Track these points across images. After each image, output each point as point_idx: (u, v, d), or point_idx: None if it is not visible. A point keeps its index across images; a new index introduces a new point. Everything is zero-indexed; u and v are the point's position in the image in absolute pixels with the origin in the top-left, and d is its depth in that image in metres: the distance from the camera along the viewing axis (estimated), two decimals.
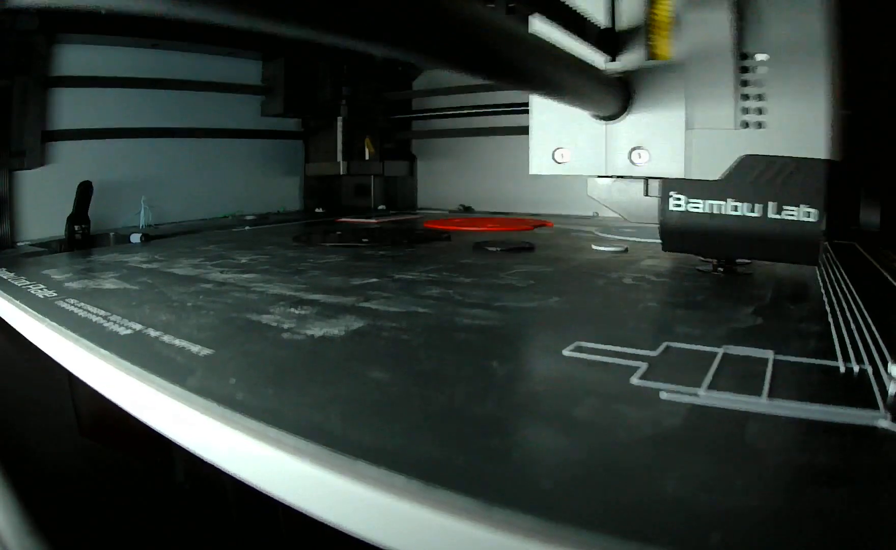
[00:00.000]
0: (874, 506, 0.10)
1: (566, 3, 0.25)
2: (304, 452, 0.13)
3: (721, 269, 0.29)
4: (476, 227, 0.54)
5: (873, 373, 0.17)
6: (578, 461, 0.12)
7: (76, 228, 0.49)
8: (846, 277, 0.30)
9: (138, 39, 0.60)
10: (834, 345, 0.19)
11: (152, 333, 0.21)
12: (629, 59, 0.28)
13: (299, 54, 0.76)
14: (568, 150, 0.31)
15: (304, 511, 0.12)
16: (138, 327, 0.22)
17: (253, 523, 0.31)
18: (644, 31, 0.28)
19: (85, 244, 0.49)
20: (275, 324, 0.22)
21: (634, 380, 0.16)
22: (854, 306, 0.24)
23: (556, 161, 0.31)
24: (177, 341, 0.20)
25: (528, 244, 0.41)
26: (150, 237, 0.52)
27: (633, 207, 0.34)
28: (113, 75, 0.59)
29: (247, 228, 0.59)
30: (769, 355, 0.18)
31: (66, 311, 0.25)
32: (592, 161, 0.30)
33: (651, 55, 0.28)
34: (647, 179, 0.31)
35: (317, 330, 0.21)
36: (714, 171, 0.27)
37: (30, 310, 0.26)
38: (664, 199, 0.28)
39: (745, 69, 0.26)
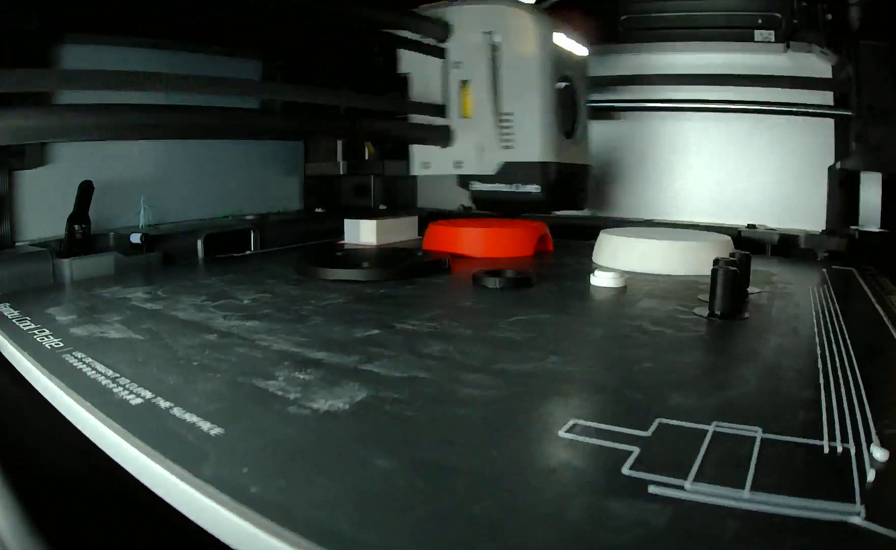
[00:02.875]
0: None
1: (421, 102, 0.56)
2: None
3: (718, 313, 0.31)
4: (475, 250, 0.57)
5: (856, 454, 0.18)
6: None
7: (76, 227, 0.50)
8: (842, 322, 0.32)
9: (139, 39, 0.62)
10: (822, 416, 0.21)
11: (162, 404, 0.23)
12: (451, 118, 0.55)
13: (299, 54, 0.78)
14: (430, 161, 0.58)
15: None
16: (148, 394, 0.24)
17: None
18: (459, 103, 0.55)
19: (85, 244, 0.50)
20: (280, 393, 0.23)
21: (626, 470, 0.18)
22: (846, 361, 0.25)
23: (423, 167, 0.58)
24: (187, 416, 0.22)
25: (527, 277, 0.43)
26: (151, 238, 0.54)
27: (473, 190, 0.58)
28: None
29: (248, 251, 0.61)
30: (757, 433, 0.20)
31: (75, 369, 0.27)
32: (439, 167, 0.57)
33: (462, 115, 0.55)
34: (465, 176, 0.57)
35: (322, 402, 0.22)
36: (491, 169, 0.55)
37: (41, 368, 0.27)
38: (470, 184, 0.56)
39: (502, 120, 0.54)
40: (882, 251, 0.60)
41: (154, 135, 0.52)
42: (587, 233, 0.71)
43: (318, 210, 0.83)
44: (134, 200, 0.61)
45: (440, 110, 0.56)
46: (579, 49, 0.58)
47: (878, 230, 0.64)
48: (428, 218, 0.79)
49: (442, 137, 0.55)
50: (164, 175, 0.66)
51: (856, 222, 0.65)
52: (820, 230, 0.66)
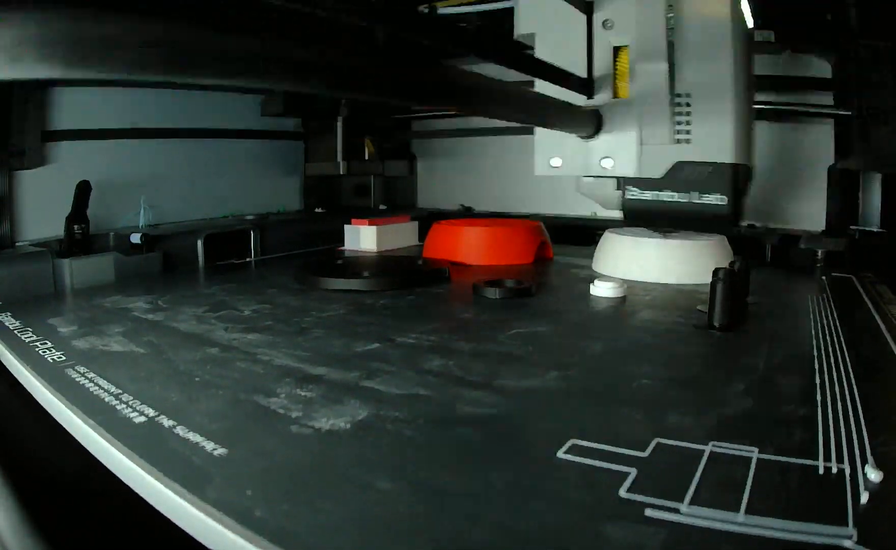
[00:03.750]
0: None
1: (561, 68, 0.38)
2: None
3: (717, 325, 0.32)
4: (475, 257, 0.57)
5: (850, 475, 0.19)
6: None
7: (75, 227, 0.51)
8: (840, 335, 0.32)
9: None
10: (818, 435, 0.21)
11: (166, 422, 0.23)
12: (600, 98, 0.42)
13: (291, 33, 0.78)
14: (559, 158, 0.45)
15: None
16: (151, 412, 0.24)
17: None
18: (610, 79, 0.41)
19: (84, 244, 0.51)
20: (283, 412, 0.24)
21: (623, 493, 0.18)
22: (844, 376, 0.26)
23: (551, 167, 0.45)
24: (191, 436, 0.22)
25: (527, 288, 0.43)
26: (151, 238, 0.54)
27: (605, 198, 0.47)
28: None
29: (248, 259, 0.62)
30: (753, 453, 0.20)
31: (78, 384, 0.27)
32: (576, 166, 0.44)
33: (615, 95, 0.41)
34: (615, 178, 0.45)
35: (324, 422, 0.23)
36: (657, 171, 0.41)
37: (44, 384, 0.28)
38: (624, 190, 0.43)
39: (677, 103, 0.40)
40: (882, 252, 0.60)
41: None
42: (587, 234, 0.72)
43: (318, 210, 0.83)
44: (134, 200, 0.62)
45: (585, 86, 0.41)
46: (748, 17, 0.44)
47: (878, 230, 0.65)
48: (428, 218, 0.80)
49: (586, 123, 0.40)
50: (164, 175, 0.66)
51: (856, 222, 0.65)
52: (820, 230, 0.67)
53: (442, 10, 0.71)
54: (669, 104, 0.39)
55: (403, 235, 0.70)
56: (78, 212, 0.51)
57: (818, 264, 0.60)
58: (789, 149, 0.70)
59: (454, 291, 0.46)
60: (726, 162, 0.39)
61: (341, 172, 0.86)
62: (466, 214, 0.85)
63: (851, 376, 0.27)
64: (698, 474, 0.19)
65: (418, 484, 0.19)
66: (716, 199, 0.40)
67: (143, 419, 0.24)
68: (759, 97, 0.68)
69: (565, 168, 0.44)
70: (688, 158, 0.40)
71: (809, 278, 0.52)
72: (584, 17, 0.41)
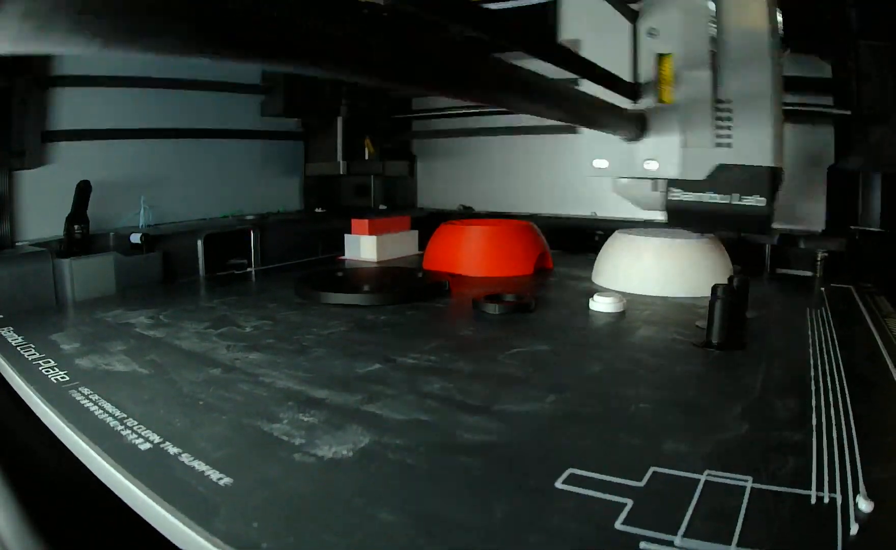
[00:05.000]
0: None
1: (609, 71, 0.39)
2: None
3: (715, 343, 0.32)
4: (475, 269, 0.58)
5: (841, 505, 0.19)
6: None
7: (76, 228, 0.51)
8: (838, 352, 0.33)
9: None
10: (812, 462, 0.22)
11: (171, 449, 0.24)
12: (645, 103, 0.44)
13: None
14: (604, 159, 0.47)
15: None
16: (156, 438, 0.25)
17: None
18: (655, 84, 0.43)
19: (84, 244, 0.51)
20: (286, 438, 0.24)
21: (618, 525, 0.19)
22: (840, 398, 0.26)
23: (595, 167, 0.47)
24: (196, 464, 0.23)
25: (527, 303, 0.44)
26: (151, 238, 0.55)
27: (641, 198, 0.49)
28: (113, 75, 0.61)
29: (248, 268, 0.62)
30: (747, 482, 0.21)
31: (83, 408, 0.28)
32: (620, 168, 0.46)
33: (659, 100, 0.43)
34: (654, 179, 0.46)
35: (327, 449, 0.23)
36: (700, 174, 0.43)
37: (50, 407, 0.28)
38: (667, 191, 0.44)
39: (718, 109, 0.42)
40: (882, 252, 0.61)
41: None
42: (587, 234, 0.72)
43: (318, 210, 0.84)
44: (134, 201, 0.62)
45: (632, 90, 0.43)
46: (780, 24, 0.46)
47: (878, 230, 0.65)
48: (428, 218, 0.80)
49: (631, 126, 0.42)
50: (164, 175, 0.67)
51: (856, 222, 0.66)
52: (820, 230, 0.67)
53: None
54: (711, 109, 0.41)
55: (403, 244, 0.71)
56: (78, 212, 0.52)
57: (818, 264, 0.60)
58: (789, 149, 0.70)
59: (454, 305, 0.47)
60: (766, 165, 0.42)
61: (341, 172, 0.86)
62: (466, 214, 0.85)
63: (847, 398, 0.27)
64: (693, 504, 0.20)
65: (420, 516, 0.19)
66: (755, 201, 0.42)
67: (148, 445, 0.24)
68: None
69: (610, 169, 0.46)
70: (729, 161, 0.42)
71: (808, 290, 0.52)
72: (629, 25, 0.43)
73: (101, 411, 0.28)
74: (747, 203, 0.42)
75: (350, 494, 0.21)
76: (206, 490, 0.21)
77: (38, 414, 0.30)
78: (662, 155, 0.43)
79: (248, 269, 0.62)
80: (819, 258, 0.62)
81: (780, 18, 0.45)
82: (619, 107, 0.40)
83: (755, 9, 0.41)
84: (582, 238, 0.75)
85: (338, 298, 0.45)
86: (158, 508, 0.21)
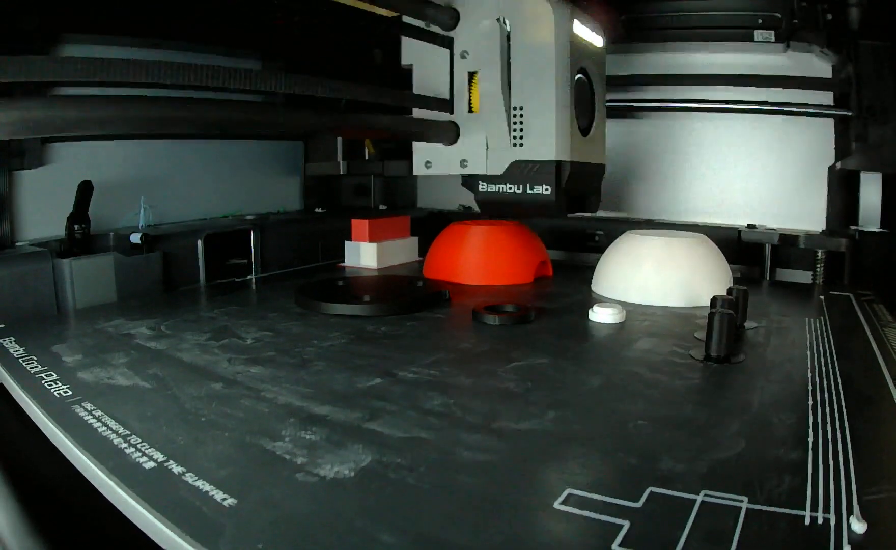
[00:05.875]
0: None
1: (425, 96, 0.51)
2: None
3: (714, 356, 0.33)
4: (475, 278, 0.59)
5: (835, 526, 0.20)
6: None
7: (76, 227, 0.51)
8: (836, 365, 0.33)
9: (139, 39, 0.62)
10: (807, 481, 0.22)
11: (175, 468, 0.24)
12: (457, 113, 0.52)
13: (299, 52, 0.78)
14: (431, 160, 0.54)
15: None
16: (160, 456, 0.25)
17: None
18: (466, 97, 0.51)
19: (85, 244, 0.52)
20: (288, 457, 0.25)
21: (615, 547, 0.19)
22: (837, 414, 0.27)
23: (425, 167, 0.54)
24: (200, 484, 0.23)
25: (526, 314, 0.45)
26: (151, 238, 0.55)
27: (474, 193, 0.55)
28: None
29: (249, 276, 0.63)
30: (742, 503, 0.21)
31: (86, 424, 0.28)
32: (444, 167, 0.53)
33: (469, 109, 0.51)
34: (471, 176, 0.54)
35: (328, 469, 0.24)
36: (500, 169, 0.51)
37: (55, 423, 0.29)
38: (475, 185, 0.52)
39: (513, 114, 0.50)
40: (882, 252, 0.61)
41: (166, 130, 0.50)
42: (587, 235, 0.73)
43: (318, 210, 0.84)
44: (134, 201, 0.62)
45: (446, 105, 0.52)
46: (596, 39, 0.54)
47: (878, 230, 0.66)
48: (428, 218, 0.81)
49: (447, 133, 0.51)
50: (164, 175, 0.67)
51: (856, 222, 0.66)
52: (820, 230, 0.67)
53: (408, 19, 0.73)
54: (507, 115, 0.50)
55: (404, 250, 0.71)
56: (79, 212, 0.52)
57: (818, 264, 0.61)
58: (789, 148, 0.71)
59: (454, 315, 0.47)
60: (549, 160, 0.49)
61: (341, 172, 0.87)
62: (467, 214, 0.86)
63: (844, 414, 0.28)
64: (688, 526, 0.20)
65: (421, 537, 0.20)
66: (542, 189, 0.49)
67: (152, 464, 0.25)
68: (759, 96, 0.69)
69: (435, 168, 0.54)
70: (522, 158, 0.50)
71: (807, 297, 0.53)
72: (446, 53, 0.52)
73: (104, 427, 0.28)
74: (536, 192, 0.50)
75: (352, 515, 0.21)
76: (210, 512, 0.21)
77: (41, 429, 0.30)
78: (472, 155, 0.52)
79: (249, 276, 0.62)
80: (819, 258, 0.62)
81: (588, 32, 0.53)
82: (435, 121, 0.51)
83: (542, 28, 0.48)
84: (582, 238, 0.75)
85: (338, 308, 0.45)
86: (165, 529, 0.21)
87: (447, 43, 0.52)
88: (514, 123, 0.50)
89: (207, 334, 0.41)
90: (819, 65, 0.69)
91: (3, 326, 0.43)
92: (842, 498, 0.21)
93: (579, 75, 0.52)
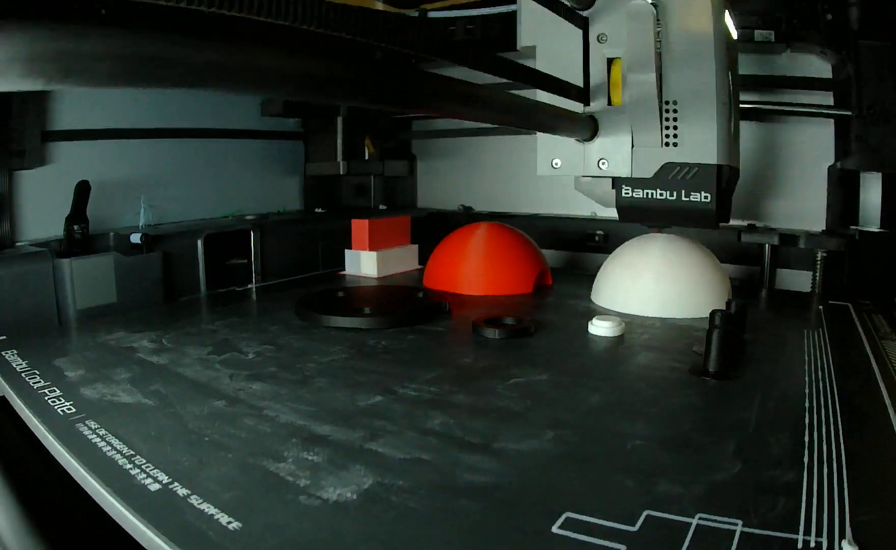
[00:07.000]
0: None
1: (559, 79, 0.42)
2: None
3: (712, 371, 0.33)
4: (476, 288, 0.59)
5: (827, 549, 0.20)
6: None
7: (75, 227, 0.52)
8: (833, 381, 0.34)
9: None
10: (801, 503, 0.23)
11: (180, 491, 0.25)
12: (596, 106, 0.46)
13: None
14: (560, 159, 0.49)
15: None
16: (165, 478, 0.26)
17: None
18: (605, 88, 0.46)
19: (84, 244, 0.52)
20: (291, 479, 0.25)
21: None
22: (833, 432, 0.27)
23: (552, 167, 0.49)
24: (205, 507, 0.24)
25: (526, 327, 0.45)
26: (151, 238, 0.56)
27: (602, 196, 0.51)
28: None
29: (249, 286, 0.63)
30: (737, 526, 0.22)
31: (91, 443, 0.29)
32: (575, 167, 0.48)
33: (609, 102, 0.46)
34: (610, 178, 0.48)
35: (331, 491, 0.24)
36: (648, 172, 0.45)
37: (60, 442, 0.29)
38: (618, 190, 0.47)
39: (665, 109, 0.44)
40: (882, 252, 0.62)
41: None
42: (587, 236, 0.73)
43: (318, 210, 0.84)
44: (134, 200, 0.63)
45: (581, 95, 0.46)
46: (733, 30, 0.49)
47: (878, 230, 0.66)
48: (428, 218, 0.81)
49: (584, 128, 0.45)
50: (164, 175, 0.67)
51: (856, 222, 0.66)
52: (820, 230, 0.68)
53: (433, 14, 0.71)
54: (658, 110, 0.44)
55: (404, 259, 0.72)
56: (77, 212, 0.52)
57: (817, 264, 0.61)
58: (789, 148, 0.71)
59: (454, 328, 0.48)
60: (711, 163, 0.44)
61: (341, 172, 0.87)
62: (467, 213, 0.86)
63: (840, 433, 0.28)
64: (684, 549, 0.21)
65: None
66: (701, 197, 0.44)
67: (157, 486, 0.25)
68: (760, 97, 0.69)
69: (564, 168, 0.49)
70: (675, 160, 0.45)
71: (806, 307, 0.53)
72: (580, 32, 0.45)
73: (108, 447, 0.28)
74: (694, 200, 0.44)
75: (355, 539, 0.22)
76: (216, 536, 0.22)
77: (48, 450, 0.31)
78: (613, 155, 0.46)
79: (249, 286, 0.63)
80: (819, 258, 0.63)
81: (730, 23, 0.47)
82: (571, 111, 0.44)
83: (698, 11, 0.42)
84: (582, 239, 0.76)
85: (338, 321, 0.46)
86: None
87: (582, 23, 0.45)
88: (667, 119, 0.44)
89: (209, 347, 0.41)
90: (819, 65, 0.69)
91: (4, 337, 0.44)
92: (835, 520, 0.22)
93: None
